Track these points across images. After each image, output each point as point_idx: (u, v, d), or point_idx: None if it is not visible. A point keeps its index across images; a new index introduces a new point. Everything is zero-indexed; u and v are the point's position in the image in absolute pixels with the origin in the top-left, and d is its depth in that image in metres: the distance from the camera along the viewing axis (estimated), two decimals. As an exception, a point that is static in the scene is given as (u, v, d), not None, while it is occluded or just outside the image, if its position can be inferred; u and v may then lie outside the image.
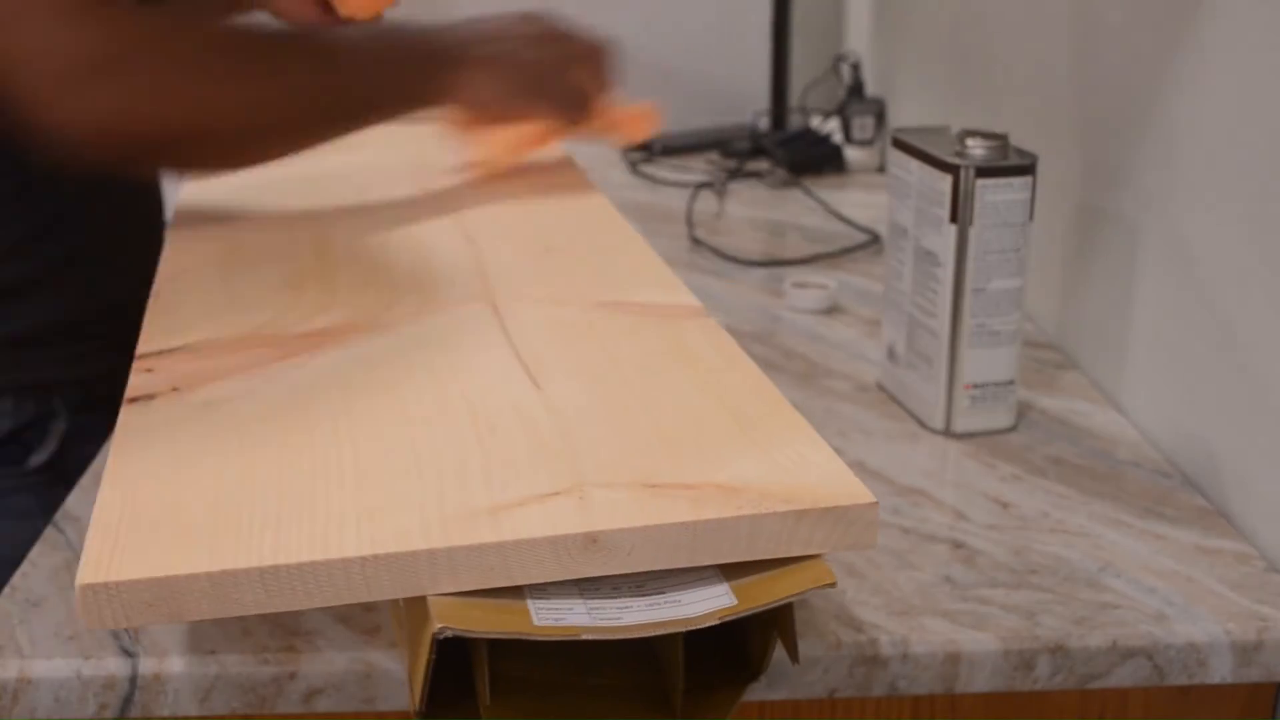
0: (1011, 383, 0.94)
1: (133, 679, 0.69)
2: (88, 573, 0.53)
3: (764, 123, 1.83)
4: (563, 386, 0.68)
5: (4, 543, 0.86)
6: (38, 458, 0.96)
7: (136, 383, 0.70)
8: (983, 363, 0.93)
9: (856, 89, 1.70)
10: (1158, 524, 0.82)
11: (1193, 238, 0.89)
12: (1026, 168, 0.90)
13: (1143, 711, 0.74)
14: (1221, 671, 0.72)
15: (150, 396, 0.67)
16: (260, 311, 0.77)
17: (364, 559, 0.53)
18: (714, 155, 1.73)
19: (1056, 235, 1.12)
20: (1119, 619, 0.72)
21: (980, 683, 0.71)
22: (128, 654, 0.70)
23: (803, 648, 0.68)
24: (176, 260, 0.86)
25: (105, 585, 0.52)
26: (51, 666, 0.69)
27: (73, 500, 0.86)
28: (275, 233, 0.92)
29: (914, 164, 0.94)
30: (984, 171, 0.89)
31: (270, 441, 0.63)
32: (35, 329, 0.96)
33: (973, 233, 0.90)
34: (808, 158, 1.66)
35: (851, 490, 0.58)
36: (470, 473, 0.59)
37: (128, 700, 0.70)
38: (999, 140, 0.91)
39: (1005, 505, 0.85)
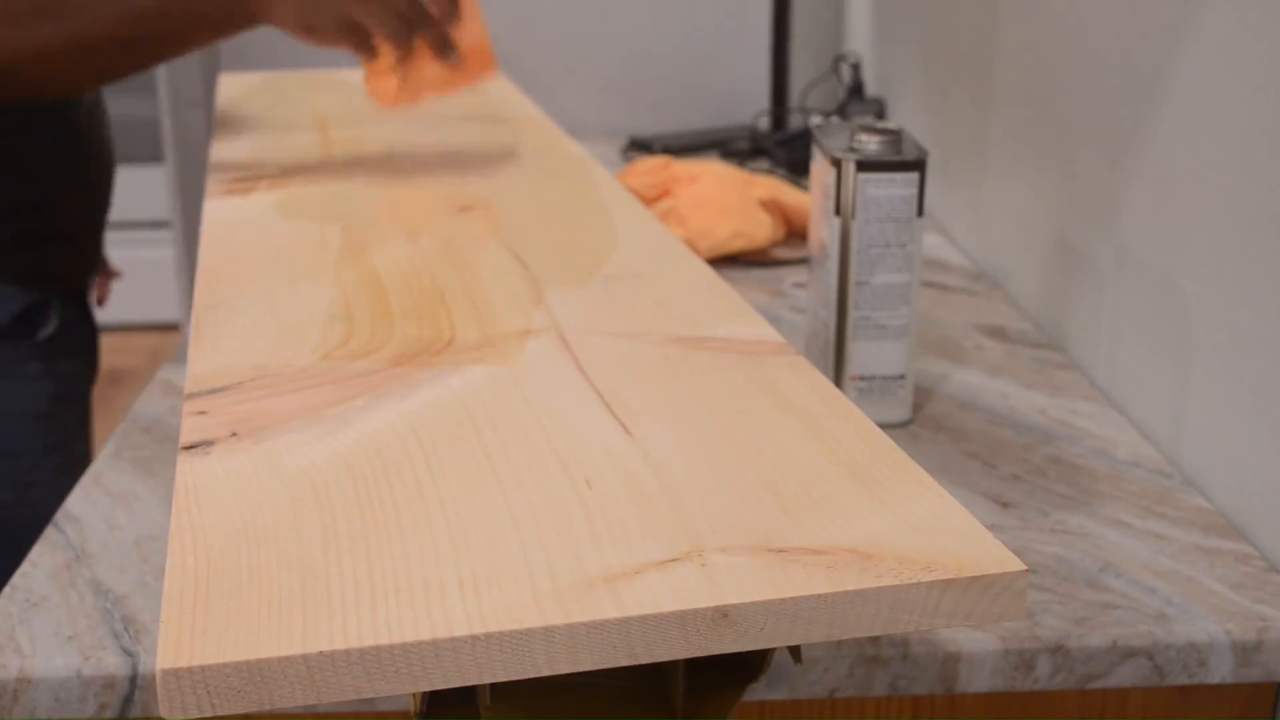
0: (902, 377, 0.95)
1: (133, 679, 0.69)
2: (168, 655, 0.46)
3: (764, 123, 1.83)
4: (655, 433, 0.63)
5: (17, 397, 1.17)
6: (44, 332, 1.19)
7: (191, 426, 0.64)
8: (869, 356, 0.94)
9: (856, 89, 1.70)
10: (1158, 524, 0.82)
11: (1191, 238, 0.89)
12: (912, 164, 0.91)
13: (1143, 711, 0.74)
14: (1221, 671, 0.72)
15: (209, 443, 0.62)
16: (312, 345, 0.73)
17: (475, 637, 0.48)
18: (714, 155, 1.73)
19: (1056, 237, 1.12)
20: (1119, 619, 0.73)
21: (980, 683, 0.72)
22: (128, 654, 0.70)
23: (804, 648, 0.68)
24: (212, 287, 0.82)
25: (190, 670, 0.46)
26: (51, 666, 0.69)
27: (73, 500, 0.86)
28: (313, 253, 0.87)
29: (818, 156, 0.96)
30: (867, 166, 0.90)
31: (349, 494, 0.58)
32: (37, 236, 1.20)
33: (855, 226, 0.91)
34: (808, 158, 1.66)
35: (998, 556, 0.52)
36: (575, 534, 0.54)
37: (128, 700, 0.70)
38: (891, 135, 0.91)
39: (1005, 505, 0.85)
